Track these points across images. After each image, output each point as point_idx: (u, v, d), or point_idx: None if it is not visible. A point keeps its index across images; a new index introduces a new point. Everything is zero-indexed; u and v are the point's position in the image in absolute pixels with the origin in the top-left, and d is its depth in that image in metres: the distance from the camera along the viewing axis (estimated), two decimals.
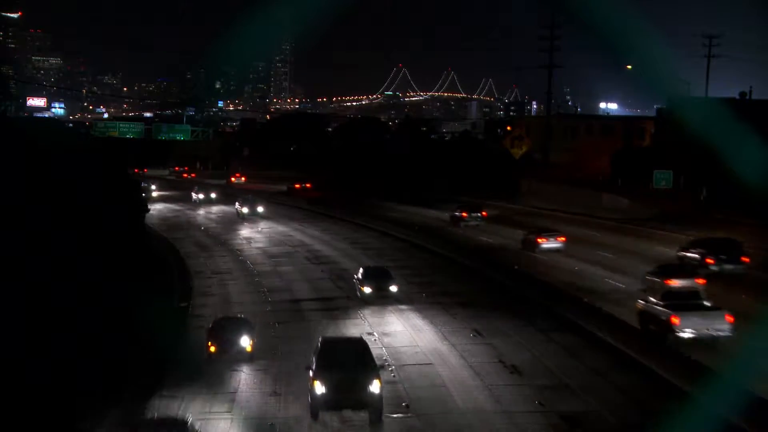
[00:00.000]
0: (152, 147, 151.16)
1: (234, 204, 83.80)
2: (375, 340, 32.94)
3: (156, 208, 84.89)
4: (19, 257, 29.37)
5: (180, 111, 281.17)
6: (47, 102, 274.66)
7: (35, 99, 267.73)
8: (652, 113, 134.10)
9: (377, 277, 41.25)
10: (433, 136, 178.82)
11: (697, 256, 45.81)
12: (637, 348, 30.27)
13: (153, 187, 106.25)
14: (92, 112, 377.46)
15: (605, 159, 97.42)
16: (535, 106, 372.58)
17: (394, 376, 28.70)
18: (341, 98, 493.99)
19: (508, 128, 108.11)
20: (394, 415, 25.15)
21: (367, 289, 40.33)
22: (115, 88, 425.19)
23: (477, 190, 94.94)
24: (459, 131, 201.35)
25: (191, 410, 25.94)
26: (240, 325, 31.45)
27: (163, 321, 31.59)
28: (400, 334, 34.89)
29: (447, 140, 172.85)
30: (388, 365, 29.79)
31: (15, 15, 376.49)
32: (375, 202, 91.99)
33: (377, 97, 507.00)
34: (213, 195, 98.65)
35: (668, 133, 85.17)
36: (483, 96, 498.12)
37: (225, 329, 30.79)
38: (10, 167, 33.01)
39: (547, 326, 35.25)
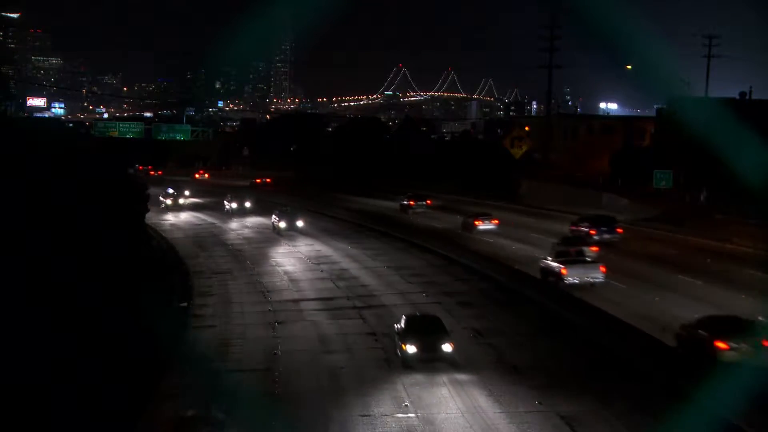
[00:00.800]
0: (152, 147, 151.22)
1: (270, 216, 73.09)
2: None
3: (184, 219, 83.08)
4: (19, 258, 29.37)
5: (180, 111, 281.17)
6: (47, 102, 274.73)
7: (35, 99, 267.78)
8: (652, 113, 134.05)
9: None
10: (433, 137, 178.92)
11: (584, 229, 56.50)
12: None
13: (187, 192, 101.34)
14: (92, 112, 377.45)
15: (605, 159, 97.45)
16: (535, 106, 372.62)
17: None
18: (341, 98, 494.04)
19: (515, 131, 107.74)
20: (395, 415, 25.17)
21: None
22: (115, 88, 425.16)
23: (477, 190, 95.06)
24: (459, 131, 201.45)
25: (190, 410, 25.98)
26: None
27: None
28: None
29: (447, 140, 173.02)
30: None
31: (15, 15, 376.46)
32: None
33: (377, 97, 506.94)
34: (248, 204, 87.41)
35: (668, 133, 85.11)
36: (483, 96, 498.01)
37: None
38: None
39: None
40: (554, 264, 42.58)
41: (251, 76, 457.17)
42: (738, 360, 26.70)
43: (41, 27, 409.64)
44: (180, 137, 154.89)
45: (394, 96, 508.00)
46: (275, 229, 69.74)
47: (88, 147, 74.84)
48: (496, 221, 65.61)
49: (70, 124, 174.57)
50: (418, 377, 28.65)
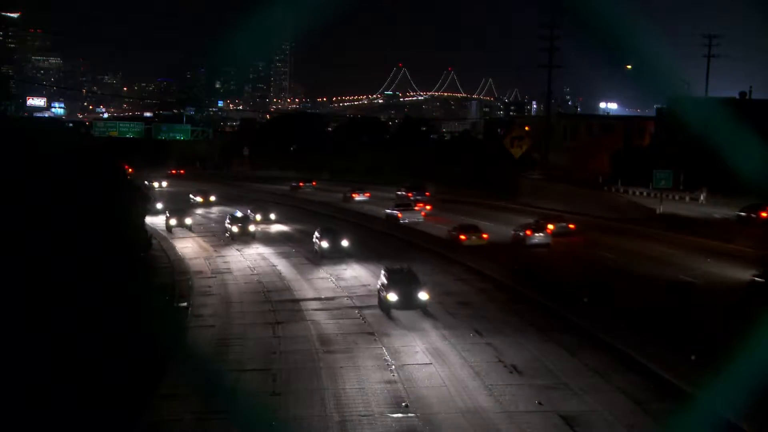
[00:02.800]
0: (152, 147, 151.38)
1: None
2: None
3: (247, 265, 55.74)
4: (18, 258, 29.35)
5: (180, 111, 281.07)
6: (47, 102, 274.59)
7: (35, 99, 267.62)
8: (652, 113, 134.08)
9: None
10: (433, 136, 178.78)
11: (404, 192, 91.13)
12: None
13: (272, 216, 77.10)
14: (92, 112, 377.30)
15: (605, 159, 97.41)
16: (535, 106, 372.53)
17: None
18: (341, 98, 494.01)
19: (513, 131, 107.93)
20: (395, 415, 25.18)
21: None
22: (115, 88, 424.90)
23: (477, 189, 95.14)
24: (459, 131, 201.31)
25: (190, 410, 25.99)
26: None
27: None
28: None
29: (447, 140, 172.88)
30: None
31: (15, 15, 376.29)
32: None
33: (377, 97, 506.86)
34: (345, 243, 56.68)
35: (668, 132, 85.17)
36: (483, 96, 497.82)
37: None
38: None
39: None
40: (393, 210, 73.83)
41: (251, 76, 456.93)
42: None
43: (41, 27, 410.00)
44: (180, 137, 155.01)
45: (394, 96, 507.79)
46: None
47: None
48: (368, 194, 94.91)
49: (70, 124, 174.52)
50: (419, 377, 28.82)
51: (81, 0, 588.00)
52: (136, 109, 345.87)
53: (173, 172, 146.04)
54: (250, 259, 57.13)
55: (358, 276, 48.89)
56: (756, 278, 37.53)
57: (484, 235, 57.01)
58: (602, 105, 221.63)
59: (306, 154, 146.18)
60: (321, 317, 38.70)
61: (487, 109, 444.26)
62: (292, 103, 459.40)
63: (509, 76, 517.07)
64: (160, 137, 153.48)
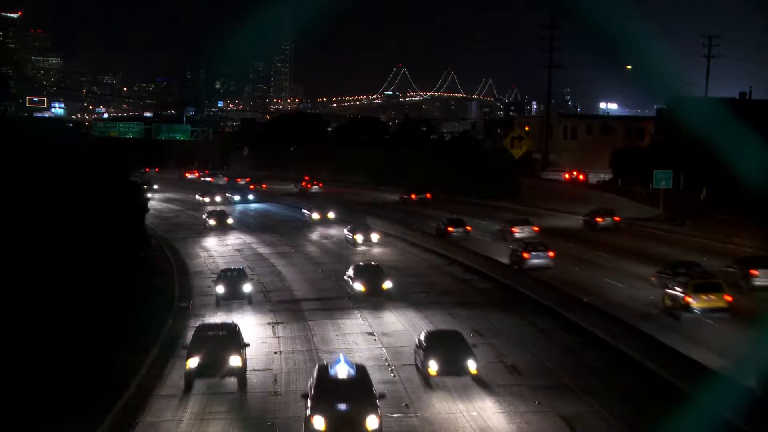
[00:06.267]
0: (152, 147, 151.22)
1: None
2: None
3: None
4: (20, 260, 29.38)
5: (180, 111, 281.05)
6: (47, 102, 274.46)
7: (35, 99, 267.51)
8: (652, 113, 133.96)
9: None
10: (433, 137, 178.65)
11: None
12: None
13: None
14: (92, 112, 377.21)
15: (605, 159, 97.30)
16: (535, 106, 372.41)
17: None
18: (341, 98, 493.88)
19: (513, 131, 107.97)
20: (395, 415, 25.18)
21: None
22: (115, 88, 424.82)
23: (477, 189, 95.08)
24: (459, 131, 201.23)
25: (190, 410, 25.97)
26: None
27: None
28: None
29: (447, 140, 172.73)
30: None
31: (15, 15, 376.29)
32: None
33: (377, 97, 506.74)
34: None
35: (668, 133, 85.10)
36: (483, 96, 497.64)
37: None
38: None
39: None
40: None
41: (251, 76, 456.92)
42: None
43: (41, 27, 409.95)
44: (180, 137, 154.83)
45: (394, 96, 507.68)
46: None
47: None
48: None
49: (70, 124, 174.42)
50: (419, 379, 28.74)
51: (81, 0, 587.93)
52: (136, 109, 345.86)
53: (147, 170, 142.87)
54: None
55: None
56: None
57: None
58: (602, 105, 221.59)
59: (306, 155, 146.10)
60: None
61: (487, 109, 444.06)
62: (292, 104, 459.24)
63: (509, 76, 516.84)
64: (160, 137, 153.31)
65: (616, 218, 66.31)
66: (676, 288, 36.71)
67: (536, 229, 61.35)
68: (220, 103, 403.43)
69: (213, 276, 47.06)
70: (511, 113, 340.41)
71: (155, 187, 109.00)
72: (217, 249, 62.48)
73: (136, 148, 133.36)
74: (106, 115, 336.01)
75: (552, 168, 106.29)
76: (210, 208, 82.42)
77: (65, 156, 40.05)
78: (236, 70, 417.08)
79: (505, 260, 50.62)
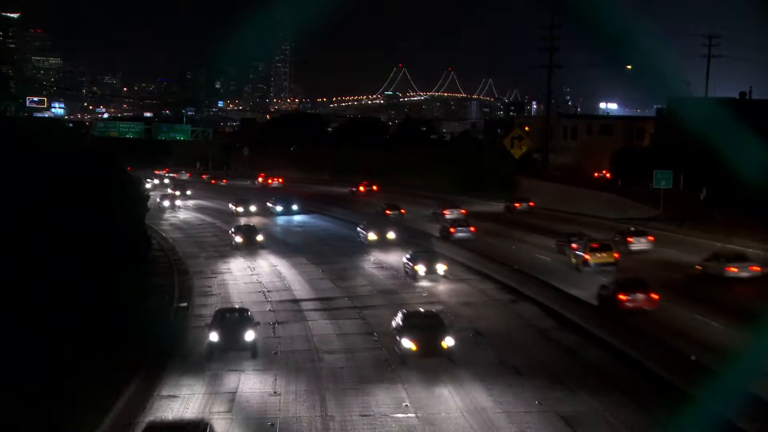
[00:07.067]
0: (152, 147, 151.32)
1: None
2: None
3: None
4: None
5: (180, 111, 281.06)
6: (47, 102, 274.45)
7: (35, 99, 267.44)
8: (652, 113, 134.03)
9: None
10: (433, 137, 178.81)
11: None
12: None
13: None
14: (92, 112, 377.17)
15: (605, 159, 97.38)
16: (535, 106, 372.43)
17: None
18: (341, 98, 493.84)
19: (514, 130, 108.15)
20: (395, 415, 25.16)
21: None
22: (115, 88, 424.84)
23: (477, 189, 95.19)
24: (459, 131, 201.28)
25: (191, 410, 25.98)
26: None
27: None
28: None
29: (447, 140, 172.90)
30: None
31: (15, 15, 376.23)
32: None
33: (377, 97, 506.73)
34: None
35: (668, 133, 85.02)
36: (483, 96, 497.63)
37: None
38: None
39: None
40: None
41: (251, 76, 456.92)
42: None
43: (41, 27, 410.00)
44: (180, 137, 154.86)
45: (394, 96, 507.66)
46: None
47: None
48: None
49: (70, 124, 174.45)
50: (418, 377, 28.77)
51: (81, 0, 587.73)
52: (136, 109, 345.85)
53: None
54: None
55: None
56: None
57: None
58: (602, 105, 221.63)
59: (306, 155, 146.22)
60: None
61: (487, 110, 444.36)
62: (292, 104, 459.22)
63: (509, 76, 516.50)
64: (160, 137, 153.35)
65: (531, 203, 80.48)
66: (578, 250, 48.83)
67: (463, 211, 72.90)
68: (220, 103, 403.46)
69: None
70: (511, 113, 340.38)
71: (188, 193, 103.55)
72: (238, 280, 49.70)
73: (136, 148, 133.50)
74: (106, 115, 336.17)
75: (561, 166, 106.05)
76: (240, 222, 72.40)
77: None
78: (236, 70, 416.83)
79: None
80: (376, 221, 66.21)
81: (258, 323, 33.52)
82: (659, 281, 41.65)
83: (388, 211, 74.61)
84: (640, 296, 36.97)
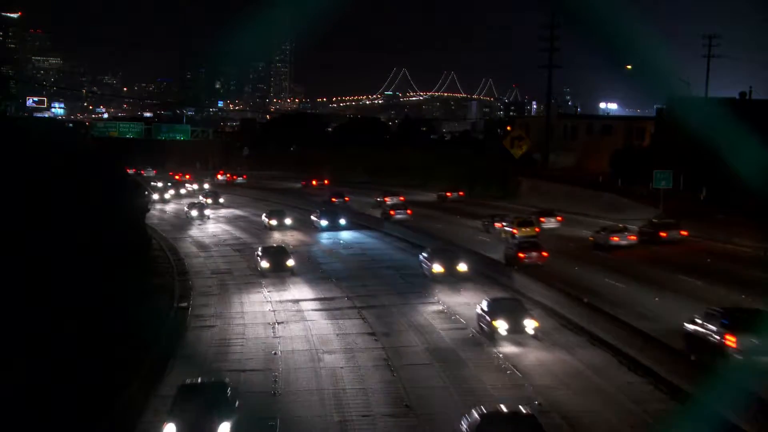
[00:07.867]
0: (152, 147, 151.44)
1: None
2: None
3: None
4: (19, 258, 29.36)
5: (180, 111, 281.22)
6: (47, 102, 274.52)
7: (35, 99, 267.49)
8: (652, 113, 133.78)
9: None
10: (433, 137, 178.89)
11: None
12: None
13: None
14: (92, 112, 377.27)
15: (605, 159, 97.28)
16: (535, 106, 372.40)
17: None
18: (341, 98, 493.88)
19: (508, 128, 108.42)
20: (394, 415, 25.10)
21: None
22: (115, 88, 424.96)
23: (477, 189, 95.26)
24: (459, 131, 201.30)
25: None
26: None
27: None
28: None
29: (447, 140, 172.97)
30: None
31: (15, 15, 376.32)
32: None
33: (377, 97, 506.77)
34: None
35: (668, 133, 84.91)
36: (483, 96, 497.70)
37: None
38: None
39: None
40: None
41: (251, 76, 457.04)
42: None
43: (41, 27, 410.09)
44: (180, 137, 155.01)
45: (394, 96, 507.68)
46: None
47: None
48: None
49: (70, 125, 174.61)
50: (418, 378, 28.88)
51: (81, 0, 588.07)
52: (136, 109, 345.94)
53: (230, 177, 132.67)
54: None
55: None
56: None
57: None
58: (602, 105, 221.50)
59: (306, 155, 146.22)
60: None
61: (487, 109, 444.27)
62: (291, 104, 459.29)
63: (509, 77, 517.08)
64: (160, 137, 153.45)
65: (461, 193, 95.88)
66: (507, 226, 60.63)
67: (402, 198, 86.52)
68: (220, 103, 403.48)
69: None
70: (511, 113, 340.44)
71: (221, 201, 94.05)
72: (247, 336, 36.11)
73: (136, 148, 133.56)
74: (106, 115, 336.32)
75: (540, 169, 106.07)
76: (270, 240, 63.44)
77: None
78: (236, 70, 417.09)
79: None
80: (441, 249, 49.47)
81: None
82: (559, 249, 53.58)
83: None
84: (534, 254, 48.71)
